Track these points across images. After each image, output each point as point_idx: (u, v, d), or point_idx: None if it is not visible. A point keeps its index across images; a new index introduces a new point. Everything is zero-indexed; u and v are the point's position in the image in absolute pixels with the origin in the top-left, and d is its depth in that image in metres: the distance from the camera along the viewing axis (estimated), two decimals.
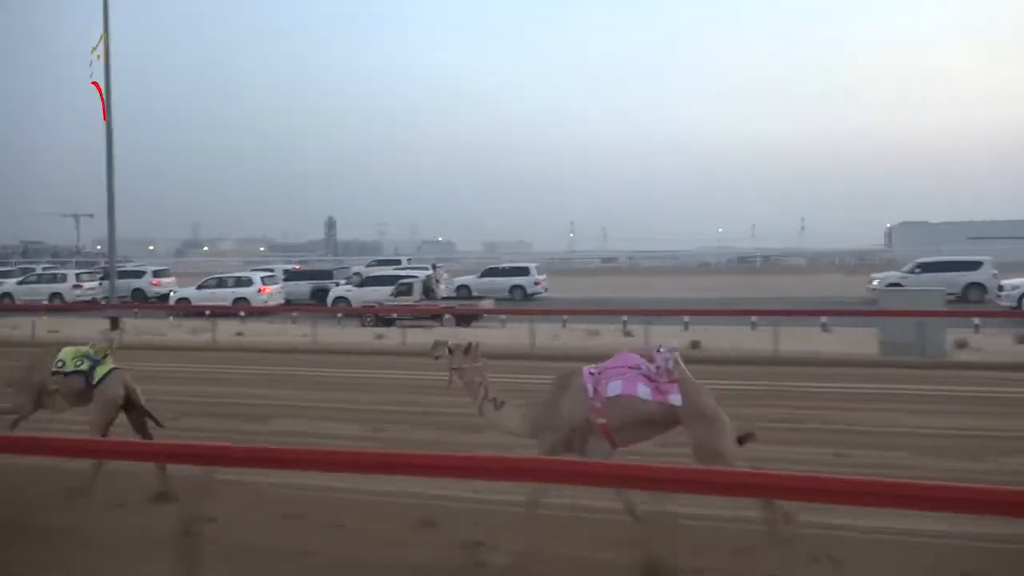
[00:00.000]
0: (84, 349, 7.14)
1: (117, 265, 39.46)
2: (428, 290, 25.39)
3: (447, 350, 6.08)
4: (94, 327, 20.39)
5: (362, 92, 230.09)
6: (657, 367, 5.56)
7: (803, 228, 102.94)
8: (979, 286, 27.10)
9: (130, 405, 7.03)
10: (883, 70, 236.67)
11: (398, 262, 43.19)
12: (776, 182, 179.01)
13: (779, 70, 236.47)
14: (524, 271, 34.20)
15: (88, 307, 29.37)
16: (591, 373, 5.71)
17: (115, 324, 21.97)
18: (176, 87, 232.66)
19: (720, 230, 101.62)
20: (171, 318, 25.62)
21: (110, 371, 7.00)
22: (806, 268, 58.12)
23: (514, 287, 32.82)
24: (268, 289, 30.04)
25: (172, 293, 32.14)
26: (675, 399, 5.45)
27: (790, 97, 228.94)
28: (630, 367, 5.66)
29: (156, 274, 36.12)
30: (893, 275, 29.58)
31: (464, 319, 23.35)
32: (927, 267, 28.71)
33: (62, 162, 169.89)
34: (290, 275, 34.37)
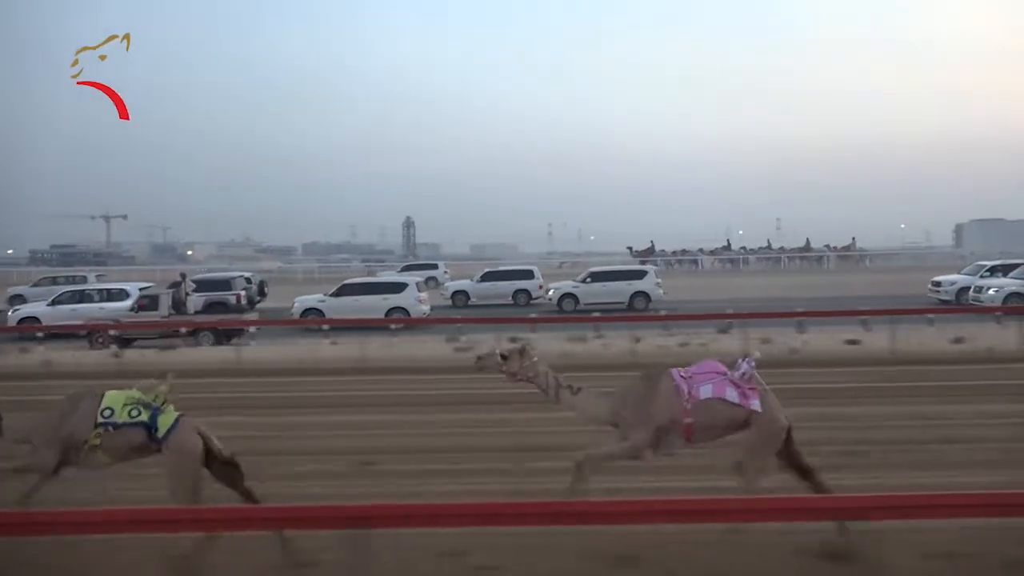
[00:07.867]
0: (135, 394, 5.96)
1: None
2: (178, 304, 21.86)
3: (500, 357, 6.52)
4: None
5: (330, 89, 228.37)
6: (742, 374, 6.21)
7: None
8: (644, 295, 28.83)
9: (209, 458, 5.93)
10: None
11: (435, 266, 43.45)
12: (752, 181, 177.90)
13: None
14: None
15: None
16: (682, 376, 6.27)
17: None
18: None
19: (740, 232, 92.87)
20: None
21: (177, 419, 5.89)
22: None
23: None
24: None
25: (14, 311, 25.04)
26: (755, 405, 6.14)
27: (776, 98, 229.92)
28: (717, 372, 6.29)
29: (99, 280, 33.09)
30: (567, 284, 30.39)
31: (224, 335, 20.81)
32: (596, 276, 30.33)
33: (76, 163, 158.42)
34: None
